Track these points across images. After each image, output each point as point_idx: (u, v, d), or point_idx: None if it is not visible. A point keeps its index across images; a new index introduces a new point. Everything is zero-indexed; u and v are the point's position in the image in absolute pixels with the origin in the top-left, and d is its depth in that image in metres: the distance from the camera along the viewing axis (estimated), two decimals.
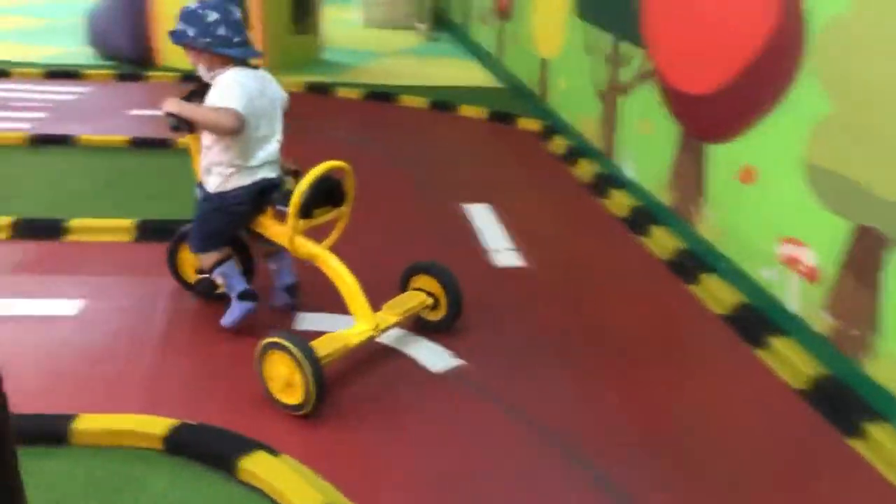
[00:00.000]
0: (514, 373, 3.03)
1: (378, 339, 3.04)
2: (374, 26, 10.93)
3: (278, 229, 2.99)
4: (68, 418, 2.54)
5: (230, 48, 2.85)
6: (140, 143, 5.43)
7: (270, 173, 3.02)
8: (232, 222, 3.05)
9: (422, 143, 6.04)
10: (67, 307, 3.31)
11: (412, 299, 3.09)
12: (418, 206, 4.73)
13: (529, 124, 6.41)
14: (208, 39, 2.83)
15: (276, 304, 3.29)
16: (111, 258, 3.79)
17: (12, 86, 6.99)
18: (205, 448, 2.49)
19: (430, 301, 3.13)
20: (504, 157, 5.82)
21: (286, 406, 2.67)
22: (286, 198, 2.87)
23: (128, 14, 7.65)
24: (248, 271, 3.25)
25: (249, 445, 2.46)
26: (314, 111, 6.80)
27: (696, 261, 3.92)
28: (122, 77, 7.44)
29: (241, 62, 2.91)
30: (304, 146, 5.78)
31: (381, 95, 7.14)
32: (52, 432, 2.52)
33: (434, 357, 3.09)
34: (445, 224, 4.45)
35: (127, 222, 4.04)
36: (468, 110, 6.77)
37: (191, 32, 2.86)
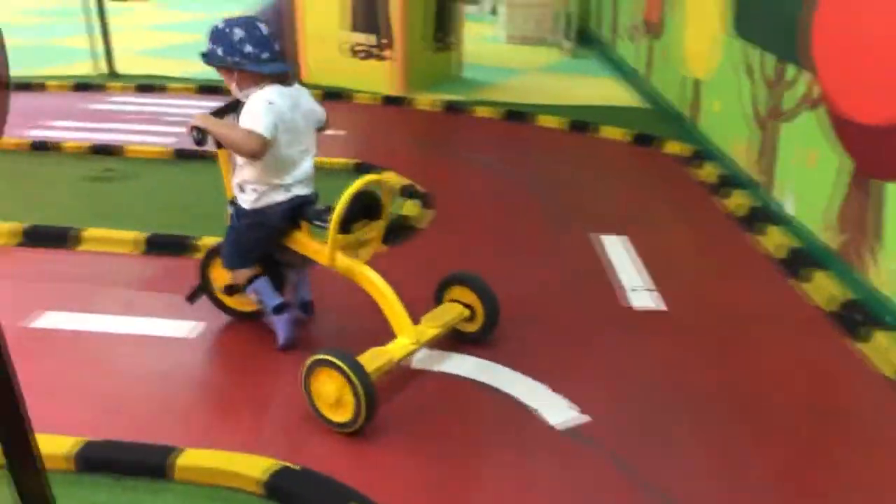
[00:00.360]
0: (644, 434, 2.69)
1: (483, 381, 2.87)
2: (517, 43, 10.75)
3: (315, 246, 2.95)
4: (171, 452, 2.48)
5: (258, 65, 2.79)
6: None
7: (304, 190, 2.98)
8: (266, 239, 3.02)
9: (557, 165, 5.76)
10: (185, 329, 3.29)
11: (450, 311, 3.05)
12: (547, 233, 4.45)
13: (676, 149, 5.98)
14: (236, 58, 2.79)
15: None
16: None
17: (168, 101, 7.32)
18: (304, 496, 2.35)
19: (467, 312, 3.08)
20: (646, 183, 5.43)
21: (334, 424, 2.62)
22: (320, 214, 2.86)
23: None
24: (279, 285, 3.18)
25: (348, 496, 2.32)
26: (449, 131, 6.68)
27: (866, 314, 3.41)
28: None
29: (273, 78, 2.83)
30: (436, 168, 5.74)
31: (519, 115, 6.92)
32: (153, 465, 2.46)
33: (551, 407, 2.81)
34: (575, 255, 4.15)
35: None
36: (610, 131, 6.42)
37: (219, 52, 2.82)
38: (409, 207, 4.64)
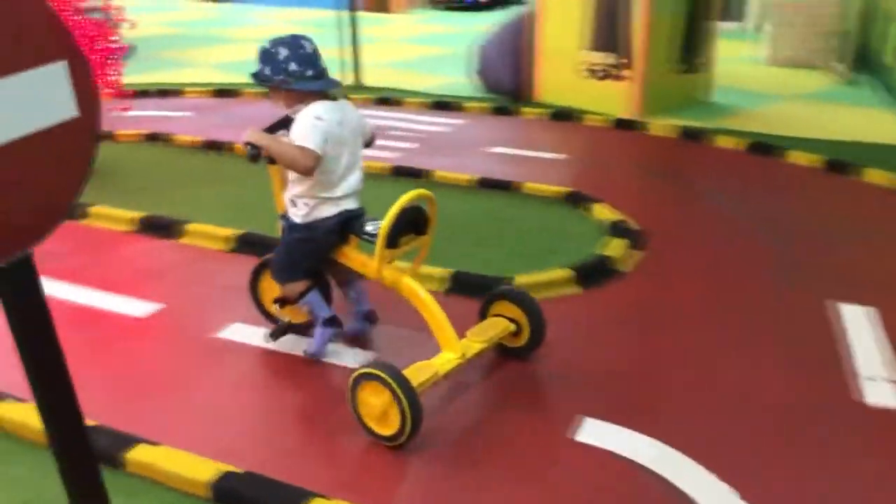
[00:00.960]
0: None
1: (660, 473, 2.46)
2: (780, 65, 9.71)
3: (363, 259, 2.99)
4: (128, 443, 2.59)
5: (303, 82, 2.83)
6: (487, 184, 5.33)
7: (353, 204, 3.03)
8: (317, 252, 3.07)
9: (801, 211, 5.00)
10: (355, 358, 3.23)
11: (495, 326, 3.04)
12: (773, 293, 3.82)
13: None
14: (282, 77, 2.83)
15: (348, 331, 3.32)
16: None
17: (400, 115, 7.50)
18: (251, 499, 2.39)
19: (512, 327, 3.07)
20: None
21: (380, 437, 2.64)
22: (368, 228, 2.92)
23: (511, 47, 7.76)
24: (326, 298, 3.25)
25: (299, 496, 2.37)
26: (682, 161, 6.12)
27: None
28: (497, 111, 7.55)
29: (319, 94, 2.88)
30: (657, 202, 5.22)
31: (766, 148, 6.17)
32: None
33: None
34: (802, 325, 3.51)
35: (441, 272, 3.87)
36: (875, 175, 5.49)
37: (267, 71, 2.86)
38: (614, 246, 4.24)
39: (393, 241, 2.86)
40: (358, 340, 3.36)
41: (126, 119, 6.93)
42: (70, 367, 1.41)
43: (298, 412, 2.92)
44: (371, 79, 8.71)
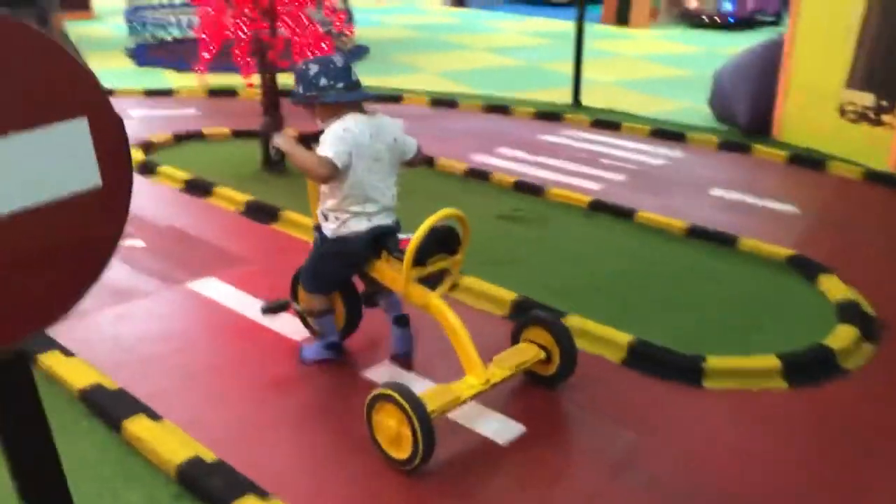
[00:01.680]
0: None
1: None
2: None
3: (393, 275, 2.93)
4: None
5: (333, 94, 2.86)
6: (696, 233, 4.70)
7: (386, 220, 2.97)
8: (346, 266, 3.08)
9: None
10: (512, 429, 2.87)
11: (525, 353, 2.97)
12: None
13: None
14: (312, 92, 2.87)
15: (395, 354, 3.28)
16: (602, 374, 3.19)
17: (613, 140, 6.97)
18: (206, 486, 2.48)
19: (542, 355, 2.99)
20: None
21: (394, 461, 2.60)
22: (399, 245, 2.86)
23: (753, 77, 6.92)
24: (352, 320, 3.30)
25: (242, 488, 2.44)
26: None
27: None
28: (724, 146, 6.78)
29: (353, 108, 2.89)
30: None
31: None
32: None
33: None
34: None
35: (619, 337, 3.39)
36: None
37: (300, 89, 2.90)
38: (841, 335, 3.49)
39: (421, 259, 2.83)
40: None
41: None
42: None
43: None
44: (591, 98, 8.23)
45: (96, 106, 1.00)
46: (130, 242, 4.42)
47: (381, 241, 2.94)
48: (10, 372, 1.03)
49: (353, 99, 2.89)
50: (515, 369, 2.87)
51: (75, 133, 0.99)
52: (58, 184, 1.00)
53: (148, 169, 5.71)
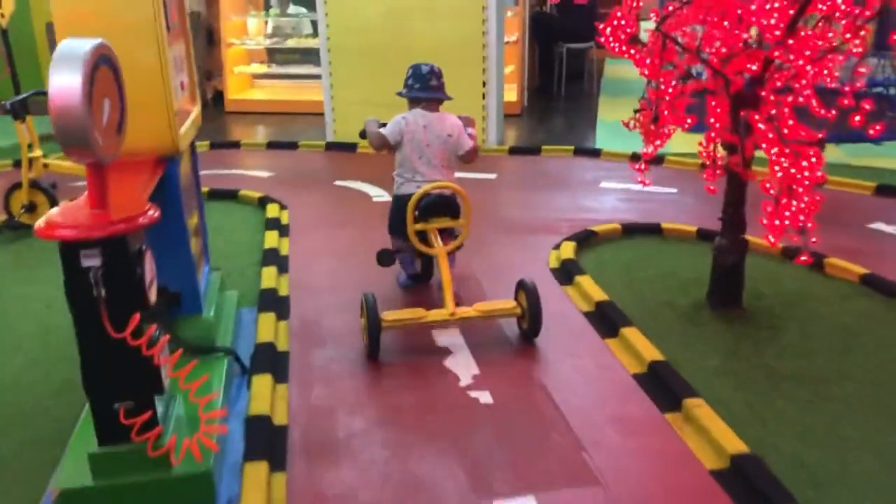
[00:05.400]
0: None
1: None
2: None
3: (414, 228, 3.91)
4: None
5: (410, 92, 4.13)
6: None
7: (421, 192, 3.88)
8: (401, 217, 3.92)
9: None
10: None
11: (499, 304, 3.76)
12: None
13: None
14: (404, 90, 4.16)
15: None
16: None
17: None
18: None
19: (517, 310, 3.74)
20: None
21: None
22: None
23: None
24: (426, 267, 4.36)
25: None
26: None
27: None
28: None
29: (423, 104, 4.10)
30: None
31: None
32: None
33: None
34: None
35: None
36: None
37: (403, 89, 4.18)
38: None
39: (424, 216, 3.89)
40: None
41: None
42: None
43: None
44: None
45: None
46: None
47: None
48: None
49: (427, 97, 4.10)
50: (483, 314, 3.70)
51: None
52: None
53: (565, 273, 4.57)
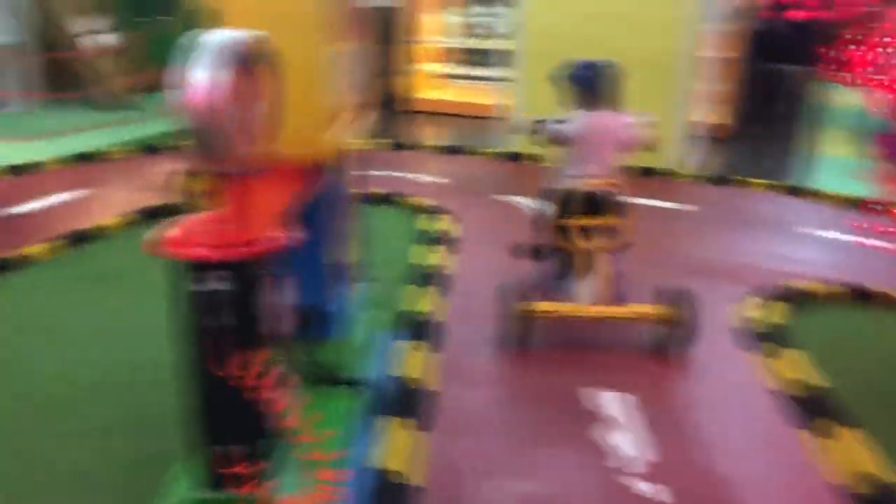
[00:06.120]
0: None
1: None
2: None
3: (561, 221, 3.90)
4: None
5: (575, 88, 3.99)
6: None
7: (579, 188, 3.85)
8: (560, 212, 3.90)
9: None
10: None
11: (646, 309, 3.69)
12: None
13: None
14: (572, 85, 4.00)
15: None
16: None
17: None
18: None
19: (661, 316, 3.67)
20: None
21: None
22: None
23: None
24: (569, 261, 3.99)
25: None
26: None
27: None
28: None
29: (586, 104, 3.94)
30: None
31: None
32: None
33: None
34: None
35: None
36: None
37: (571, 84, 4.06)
38: None
39: (566, 212, 3.84)
40: None
41: None
42: None
43: None
44: None
45: None
46: None
47: (570, 201, 3.86)
48: None
49: (589, 96, 3.95)
50: (627, 314, 3.71)
51: None
52: None
53: (755, 337, 3.84)
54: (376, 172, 6.43)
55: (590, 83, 3.95)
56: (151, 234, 2.14)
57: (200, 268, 2.08)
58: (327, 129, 2.89)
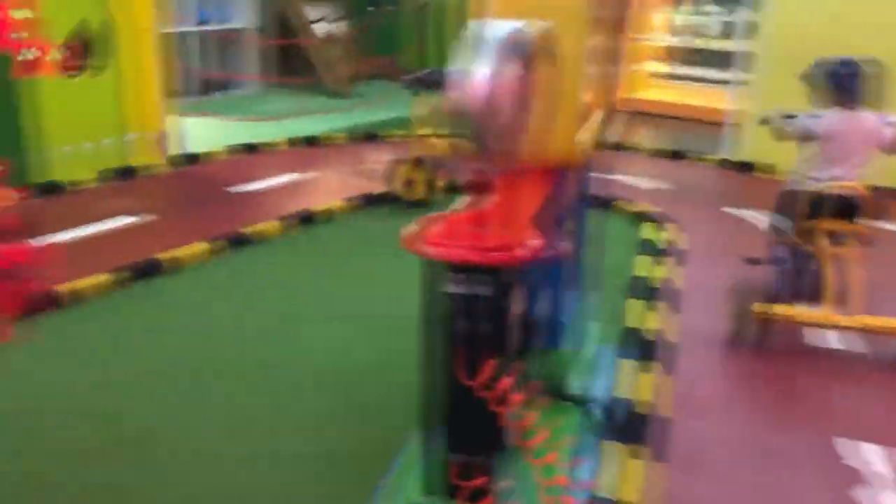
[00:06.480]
0: None
1: None
2: None
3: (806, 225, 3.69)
4: None
5: (828, 87, 3.72)
6: None
7: (832, 192, 3.58)
8: (795, 215, 3.70)
9: None
10: None
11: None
12: None
13: None
14: (824, 82, 3.74)
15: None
16: None
17: None
18: None
19: None
20: None
21: None
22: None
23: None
24: (803, 267, 3.76)
25: None
26: None
27: None
28: None
29: (842, 103, 3.67)
30: None
31: None
32: None
33: None
34: None
35: None
36: None
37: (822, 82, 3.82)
38: None
39: (812, 216, 3.59)
40: None
41: None
42: None
43: None
44: None
45: None
46: None
47: (819, 206, 3.61)
48: None
49: (841, 95, 3.66)
50: (872, 328, 3.49)
51: None
52: None
53: None
54: (601, 175, 6.16)
55: (848, 81, 3.69)
56: (408, 229, 2.06)
57: (461, 270, 1.97)
58: (580, 129, 2.70)
